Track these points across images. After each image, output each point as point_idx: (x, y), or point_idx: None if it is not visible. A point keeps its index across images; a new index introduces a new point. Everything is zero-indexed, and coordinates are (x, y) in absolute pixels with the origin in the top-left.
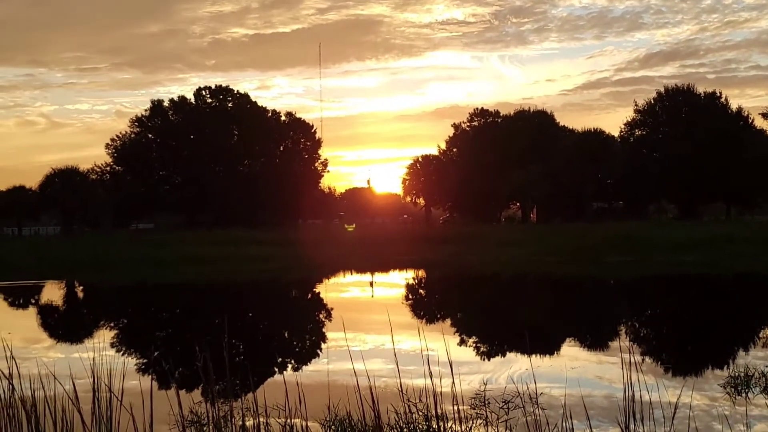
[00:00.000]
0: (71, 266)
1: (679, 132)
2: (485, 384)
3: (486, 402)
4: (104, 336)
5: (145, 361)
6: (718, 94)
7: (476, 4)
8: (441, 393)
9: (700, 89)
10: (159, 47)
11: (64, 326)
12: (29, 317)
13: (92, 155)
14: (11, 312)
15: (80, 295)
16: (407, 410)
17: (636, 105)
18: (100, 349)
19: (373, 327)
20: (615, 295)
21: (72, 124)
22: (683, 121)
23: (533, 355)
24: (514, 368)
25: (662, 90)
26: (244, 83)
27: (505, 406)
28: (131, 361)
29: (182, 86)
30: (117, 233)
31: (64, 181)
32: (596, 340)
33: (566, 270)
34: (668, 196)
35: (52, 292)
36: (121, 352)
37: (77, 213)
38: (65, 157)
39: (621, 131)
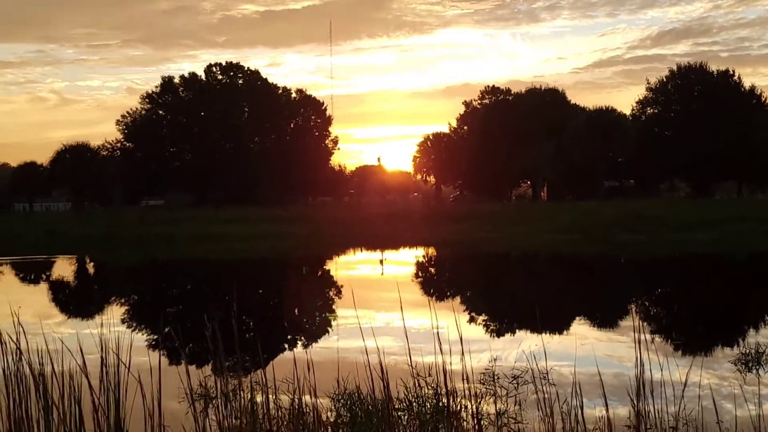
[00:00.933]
0: (82, 242)
1: (691, 110)
2: (495, 360)
3: (495, 378)
4: (114, 312)
5: (154, 336)
6: (731, 72)
7: None
8: (451, 369)
9: (713, 67)
10: (170, 24)
11: (75, 302)
12: (40, 292)
13: (103, 132)
14: (23, 287)
15: (90, 271)
16: (417, 385)
17: (648, 83)
18: (110, 324)
19: (383, 305)
20: (625, 273)
21: (83, 100)
22: (695, 99)
23: (543, 333)
24: (523, 345)
25: (674, 68)
26: (255, 60)
27: (514, 382)
28: (141, 337)
29: (193, 63)
30: (127, 210)
31: (74, 157)
32: (606, 319)
33: (577, 248)
34: (680, 174)
35: (63, 268)
36: (131, 328)
37: (88, 189)
38: (76, 133)
39: (633, 109)
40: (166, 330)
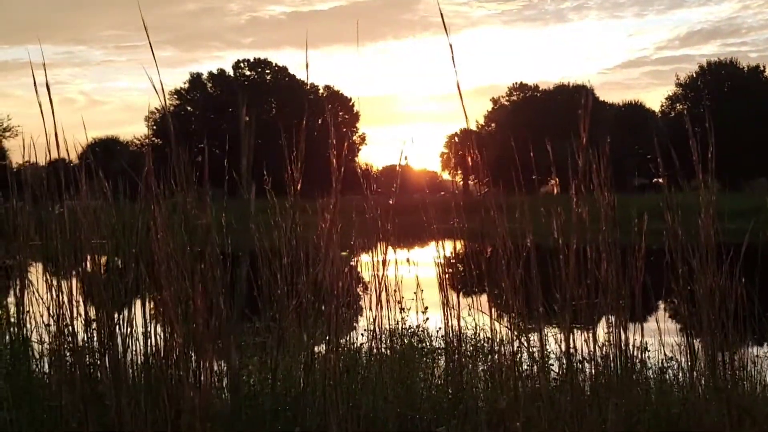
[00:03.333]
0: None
1: (721, 106)
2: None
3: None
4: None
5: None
6: (762, 69)
7: None
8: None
9: (743, 64)
10: (197, 25)
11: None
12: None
13: (132, 132)
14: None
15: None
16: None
17: (678, 79)
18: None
19: (410, 303)
20: (656, 263)
21: (111, 101)
22: (726, 95)
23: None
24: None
25: (705, 65)
26: (281, 61)
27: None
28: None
29: (220, 64)
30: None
31: (105, 151)
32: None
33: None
34: (710, 170)
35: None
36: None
37: (120, 181)
38: (105, 134)
39: (662, 105)
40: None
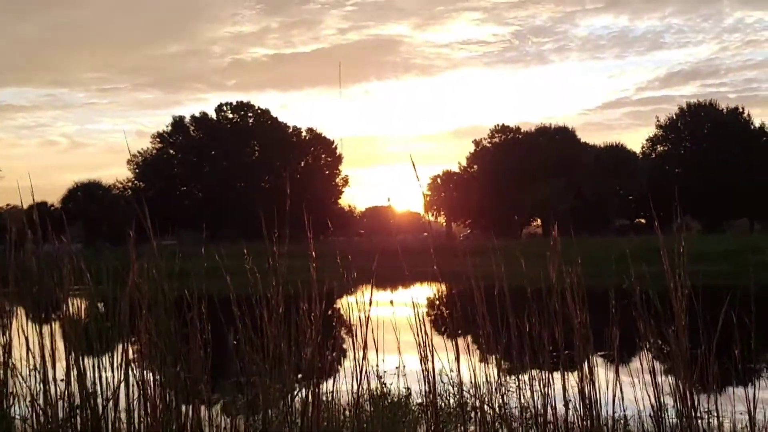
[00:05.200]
0: (95, 280)
1: (701, 148)
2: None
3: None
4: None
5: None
6: (741, 110)
7: (496, 24)
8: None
9: (723, 105)
10: (179, 67)
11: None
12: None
13: (113, 174)
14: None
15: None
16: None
17: (658, 120)
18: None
19: (392, 346)
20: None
21: (93, 144)
22: (706, 136)
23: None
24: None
25: (684, 106)
26: (264, 103)
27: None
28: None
29: (203, 105)
30: (140, 248)
31: (86, 195)
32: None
33: (590, 282)
34: (691, 212)
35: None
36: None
37: (100, 226)
38: (87, 176)
39: (643, 147)
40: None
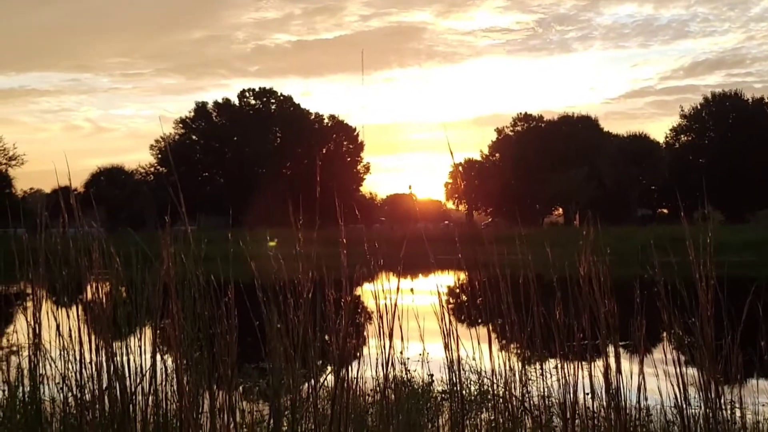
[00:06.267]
0: (123, 264)
1: (725, 138)
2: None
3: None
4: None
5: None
6: (766, 100)
7: (520, 12)
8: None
9: (748, 95)
10: (203, 53)
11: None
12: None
13: (136, 159)
14: (63, 308)
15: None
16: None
17: (682, 110)
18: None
19: (416, 334)
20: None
21: (117, 128)
22: (730, 126)
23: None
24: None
25: (709, 96)
26: (287, 89)
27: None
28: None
29: (225, 91)
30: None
31: (109, 179)
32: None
33: (613, 272)
34: (714, 202)
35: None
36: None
37: (122, 212)
38: (110, 161)
39: (666, 137)
40: (197, 354)
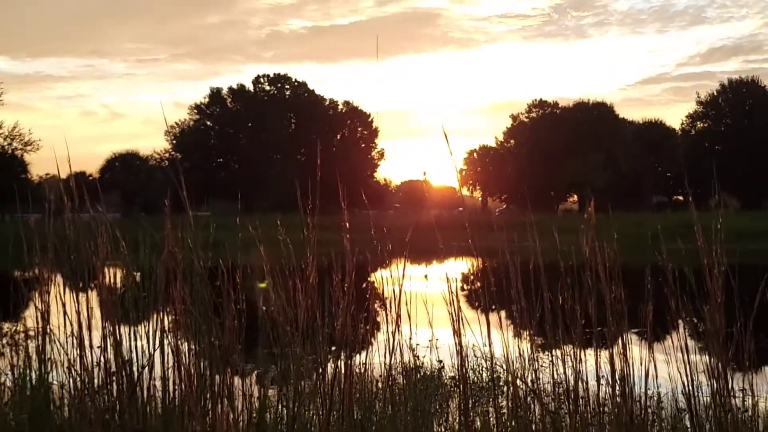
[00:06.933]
0: (131, 249)
1: (742, 125)
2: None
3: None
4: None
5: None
6: None
7: None
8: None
9: (765, 82)
10: (218, 38)
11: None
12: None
13: (151, 145)
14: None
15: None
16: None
17: (698, 97)
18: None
19: (425, 320)
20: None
21: (132, 114)
22: (747, 113)
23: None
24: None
25: (725, 82)
26: (301, 75)
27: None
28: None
29: (240, 77)
30: (176, 219)
31: (124, 165)
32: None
33: (625, 258)
34: (730, 189)
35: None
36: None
37: (137, 197)
38: (125, 146)
39: (682, 124)
40: (212, 338)
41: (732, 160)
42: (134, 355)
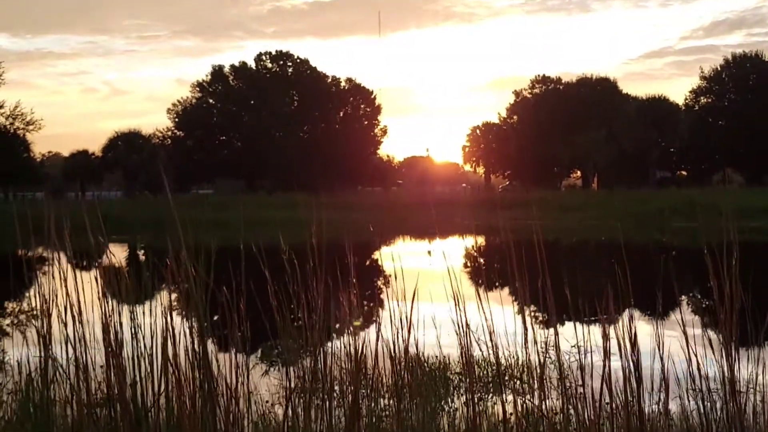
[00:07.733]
0: (134, 229)
1: (746, 100)
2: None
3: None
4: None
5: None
6: None
7: None
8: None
9: None
10: (219, 15)
11: (127, 290)
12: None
13: (153, 122)
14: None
15: (142, 257)
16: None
17: (702, 72)
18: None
19: (428, 296)
20: (678, 261)
21: (134, 91)
22: (751, 88)
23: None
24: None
25: (729, 56)
26: (303, 51)
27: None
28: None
29: (242, 53)
30: (178, 197)
31: (126, 144)
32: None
33: (629, 236)
34: (734, 165)
35: (116, 254)
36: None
37: (139, 176)
38: (127, 123)
39: (686, 99)
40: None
41: (736, 136)
42: (140, 333)
